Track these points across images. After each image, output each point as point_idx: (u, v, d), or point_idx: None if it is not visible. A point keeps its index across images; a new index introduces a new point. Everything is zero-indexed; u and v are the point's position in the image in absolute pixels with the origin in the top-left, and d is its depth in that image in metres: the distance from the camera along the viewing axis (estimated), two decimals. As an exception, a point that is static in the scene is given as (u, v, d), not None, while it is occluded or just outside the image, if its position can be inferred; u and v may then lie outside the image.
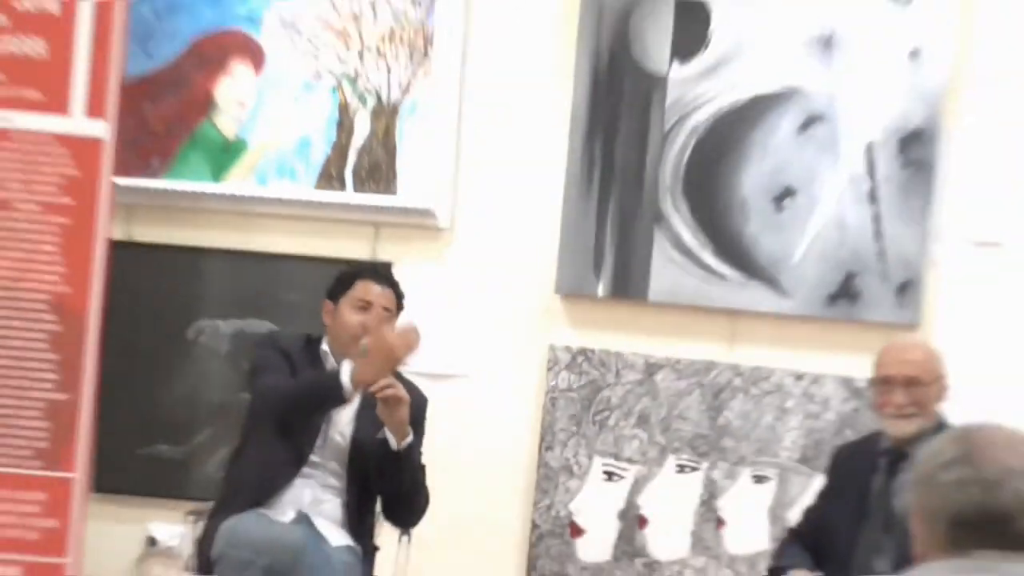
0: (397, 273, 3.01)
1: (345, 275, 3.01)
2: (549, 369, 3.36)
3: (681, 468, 3.30)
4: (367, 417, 2.96)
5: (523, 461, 3.48)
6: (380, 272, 3.07)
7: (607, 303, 3.36)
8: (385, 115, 3.37)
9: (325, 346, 3.02)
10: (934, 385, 2.84)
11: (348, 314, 2.95)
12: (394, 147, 3.40)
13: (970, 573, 1.53)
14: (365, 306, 2.96)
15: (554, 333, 3.45)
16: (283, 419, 2.94)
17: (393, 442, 2.87)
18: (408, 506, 3.04)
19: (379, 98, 3.38)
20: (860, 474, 2.98)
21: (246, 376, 3.20)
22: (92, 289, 3.31)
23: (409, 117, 3.44)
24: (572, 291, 3.35)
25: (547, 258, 3.42)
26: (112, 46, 3.33)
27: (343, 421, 3.02)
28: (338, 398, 2.89)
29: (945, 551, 1.57)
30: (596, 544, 3.39)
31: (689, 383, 3.30)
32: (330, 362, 3.03)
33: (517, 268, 3.51)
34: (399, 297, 2.99)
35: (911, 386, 2.85)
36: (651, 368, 3.29)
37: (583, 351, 3.32)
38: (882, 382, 2.89)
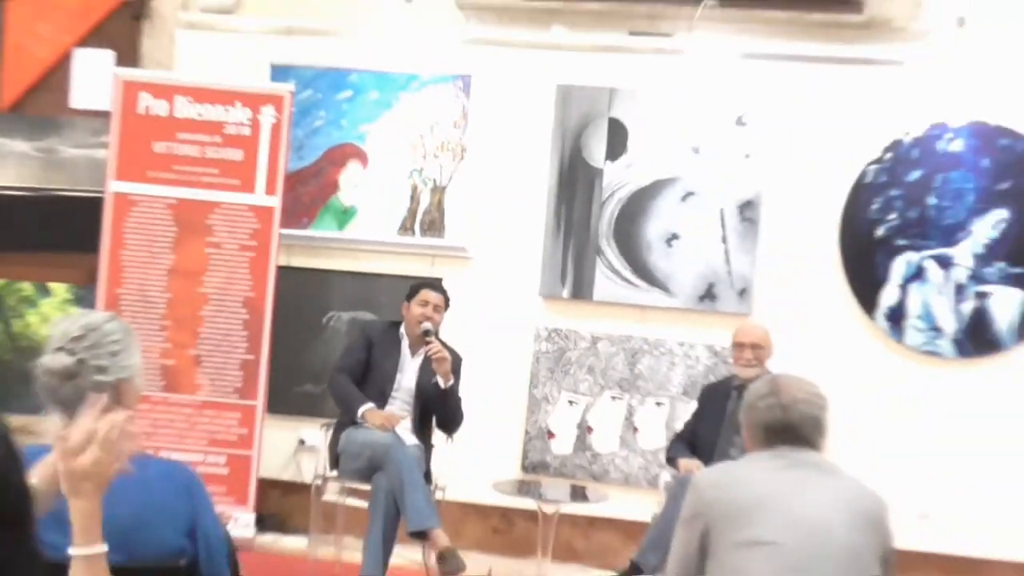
0: (445, 284, 4.29)
1: (414, 286, 4.15)
2: (535, 341, 4.79)
3: (613, 399, 4.78)
4: (426, 368, 4.05)
5: (520, 394, 4.81)
6: (435, 284, 4.23)
7: (569, 302, 4.80)
8: (438, 192, 4.81)
9: (402, 329, 4.13)
10: (766, 348, 4.13)
11: (415, 309, 4.04)
12: (443, 210, 4.81)
13: (774, 459, 2.13)
14: (424, 305, 4.04)
15: (538, 320, 4.81)
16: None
17: (441, 383, 3.99)
18: (451, 422, 4.10)
19: (435, 182, 4.82)
20: (719, 400, 4.22)
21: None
22: (268, 294, 4.57)
23: (452, 193, 4.81)
24: (548, 294, 4.80)
25: (533, 274, 4.80)
26: (280, 151, 4.56)
27: (411, 370, 4.11)
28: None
29: (761, 447, 2.16)
30: (563, 443, 4.77)
31: (617, 348, 4.76)
32: (404, 341, 4.10)
33: (515, 280, 4.82)
34: (447, 299, 4.11)
35: (755, 348, 4.11)
36: (595, 339, 4.78)
37: (555, 330, 4.80)
38: (737, 346, 4.15)
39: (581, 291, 4.80)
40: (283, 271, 4.68)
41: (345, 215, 4.91)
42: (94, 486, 1.39)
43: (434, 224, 4.85)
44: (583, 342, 4.80)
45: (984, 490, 4.47)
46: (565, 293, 4.81)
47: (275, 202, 4.57)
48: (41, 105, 5.10)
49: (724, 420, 4.18)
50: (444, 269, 4.80)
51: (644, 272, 4.75)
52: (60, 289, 5.15)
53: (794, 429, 2.14)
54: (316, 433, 4.54)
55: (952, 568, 4.50)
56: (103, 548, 1.40)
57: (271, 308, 4.58)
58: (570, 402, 4.78)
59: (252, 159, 4.61)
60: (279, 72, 4.87)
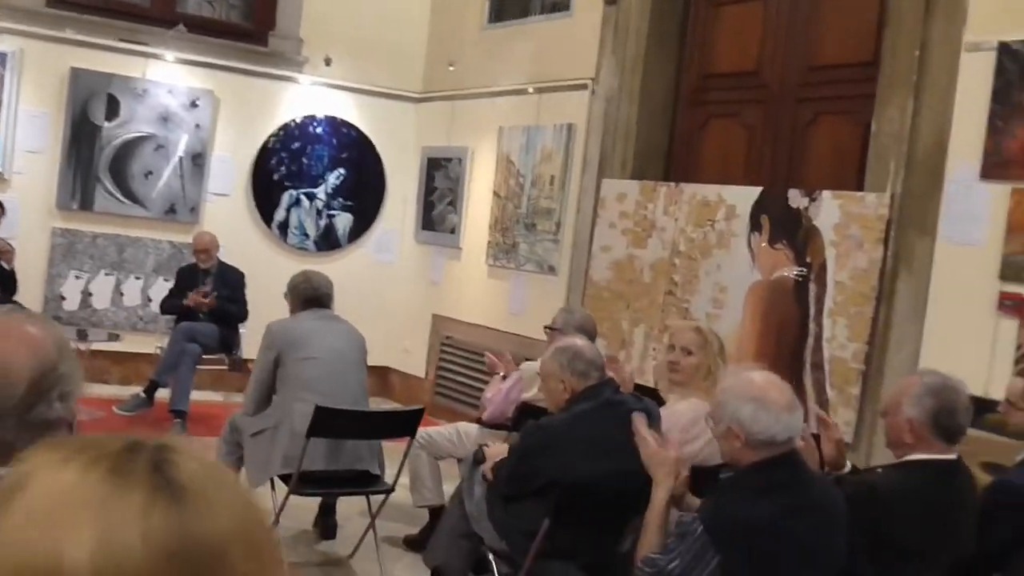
0: None
1: None
2: (51, 236, 7.22)
3: (106, 275, 7.45)
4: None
5: (39, 273, 7.33)
6: None
7: (77, 212, 7.37)
8: None
9: None
10: (214, 249, 7.28)
11: None
12: None
13: (310, 314, 5.83)
14: None
15: (54, 223, 7.30)
16: None
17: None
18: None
19: None
20: (189, 276, 7.35)
21: None
22: None
23: None
24: (63, 206, 7.28)
25: (52, 193, 7.26)
26: None
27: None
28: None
29: (301, 309, 6.12)
30: (71, 304, 7.37)
31: (110, 242, 7.45)
32: None
33: (39, 197, 7.24)
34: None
35: (208, 251, 7.31)
36: (95, 236, 7.39)
37: (67, 229, 7.31)
38: (197, 252, 7.28)
39: (86, 204, 7.20)
40: None
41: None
42: None
43: None
44: (86, 237, 7.22)
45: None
46: (75, 205, 7.18)
47: None
48: None
49: (196, 287, 6.91)
50: (-17, 186, 6.87)
51: (129, 194, 7.32)
52: None
53: (320, 298, 4.29)
54: None
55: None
56: None
57: None
58: (76, 277, 7.20)
59: None
60: None
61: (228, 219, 7.55)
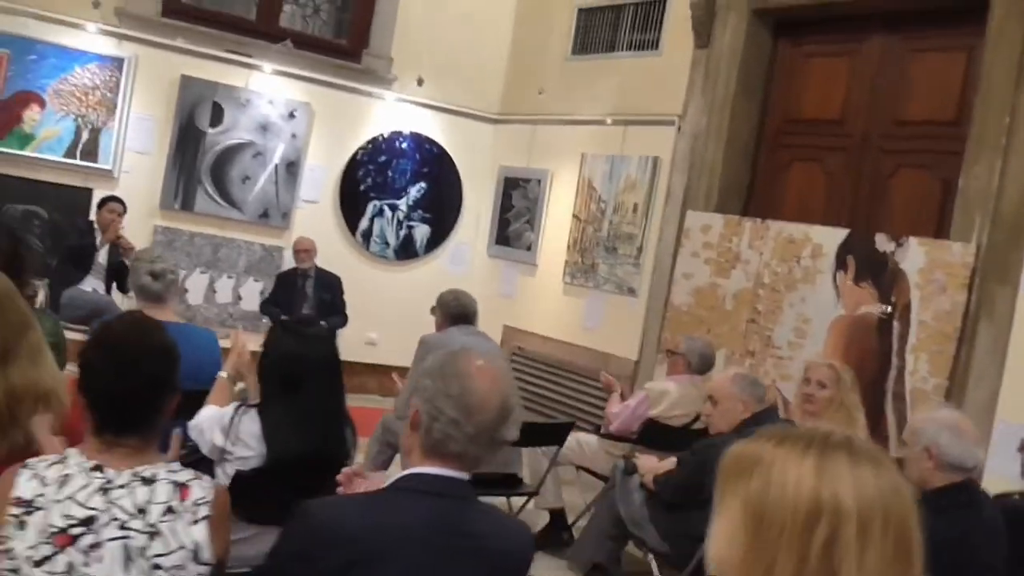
0: (97, 195, 7.07)
1: (102, 199, 7.01)
2: (153, 234, 7.62)
3: (201, 272, 7.82)
4: (113, 251, 7.01)
5: None
6: (117, 198, 7.14)
7: (179, 212, 7.74)
8: (95, 132, 7.29)
9: (96, 226, 7.00)
10: (312, 251, 7.66)
11: (104, 215, 6.98)
12: (98, 145, 7.35)
13: (460, 329, 4.74)
14: (112, 212, 7.07)
15: (157, 221, 7.65)
16: None
17: (127, 261, 7.03)
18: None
19: (92, 126, 7.28)
20: (289, 281, 7.75)
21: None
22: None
23: (104, 134, 7.39)
24: (166, 206, 7.65)
25: (156, 193, 7.62)
26: (-21, 90, 6.85)
27: (103, 253, 7.01)
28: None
29: (451, 325, 6.39)
30: None
31: (206, 241, 7.84)
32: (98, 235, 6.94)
33: (144, 197, 7.58)
34: (124, 207, 7.04)
35: (307, 252, 7.68)
36: (192, 235, 7.77)
37: (167, 228, 7.68)
38: (297, 251, 7.67)
39: (187, 205, 7.58)
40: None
41: (25, 139, 7.02)
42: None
43: (90, 153, 7.21)
44: (184, 236, 7.59)
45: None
46: (177, 206, 7.55)
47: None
48: None
49: (295, 293, 7.32)
50: (94, 183, 7.22)
51: (227, 197, 7.70)
52: None
53: (467, 316, 4.77)
54: None
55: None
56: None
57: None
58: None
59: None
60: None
61: (316, 225, 7.93)
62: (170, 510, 1.79)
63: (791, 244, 6.17)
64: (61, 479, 1.76)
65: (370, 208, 8.21)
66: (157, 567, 1.75)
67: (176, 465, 1.87)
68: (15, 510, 1.71)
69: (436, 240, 8.48)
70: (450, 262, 8.55)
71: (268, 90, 7.75)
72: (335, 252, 7.98)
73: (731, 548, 1.19)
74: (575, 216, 7.65)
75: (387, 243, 8.30)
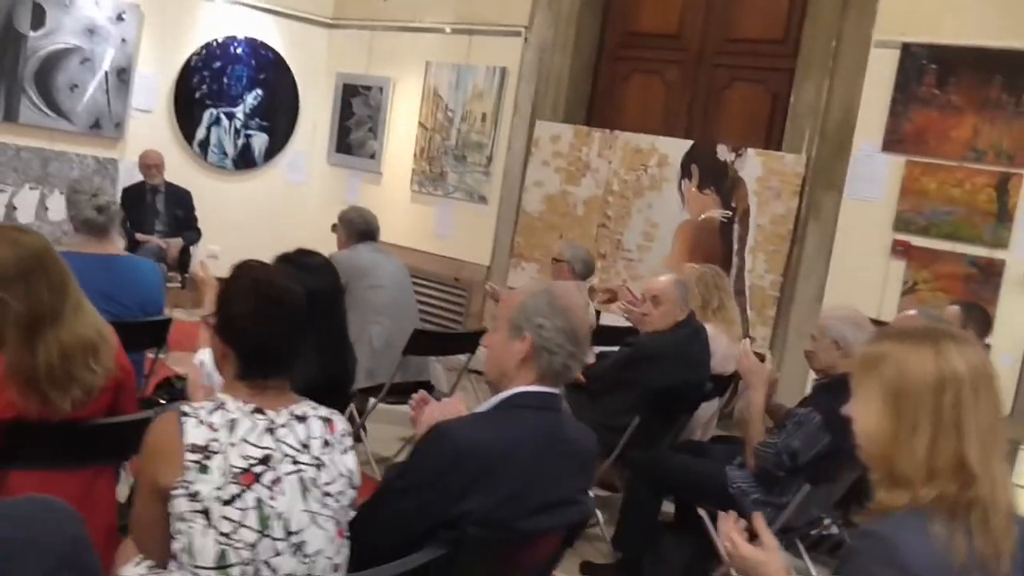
0: None
1: None
2: None
3: (31, 188, 7.39)
4: None
5: None
6: None
7: (2, 123, 7.20)
8: None
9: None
10: (162, 164, 7.34)
11: None
12: None
13: (368, 247, 6.09)
14: None
15: None
16: None
17: None
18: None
19: None
20: (137, 194, 7.42)
21: None
22: None
23: None
24: None
25: None
26: None
27: None
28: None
29: (356, 242, 6.21)
30: None
31: (34, 155, 7.39)
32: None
33: None
34: None
35: (157, 167, 7.35)
36: (19, 149, 7.30)
37: None
38: (144, 166, 7.33)
39: (11, 116, 7.10)
40: None
41: None
42: None
43: None
44: (10, 150, 7.13)
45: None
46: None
47: None
48: None
49: (145, 209, 7.01)
50: None
51: (55, 107, 7.27)
52: None
53: (372, 232, 4.91)
54: None
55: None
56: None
57: None
58: (0, 190, 7.13)
59: None
60: None
61: (151, 136, 7.64)
62: (326, 443, 1.97)
63: (638, 153, 6.66)
64: (229, 424, 1.89)
65: (206, 116, 7.98)
66: (327, 494, 1.94)
67: (312, 403, 2.04)
68: (193, 456, 1.83)
69: (274, 149, 8.38)
70: (289, 171, 8.49)
71: (96, -8, 7.31)
72: (173, 163, 7.70)
73: (879, 422, 1.60)
74: (421, 124, 7.80)
75: (225, 152, 8.13)
